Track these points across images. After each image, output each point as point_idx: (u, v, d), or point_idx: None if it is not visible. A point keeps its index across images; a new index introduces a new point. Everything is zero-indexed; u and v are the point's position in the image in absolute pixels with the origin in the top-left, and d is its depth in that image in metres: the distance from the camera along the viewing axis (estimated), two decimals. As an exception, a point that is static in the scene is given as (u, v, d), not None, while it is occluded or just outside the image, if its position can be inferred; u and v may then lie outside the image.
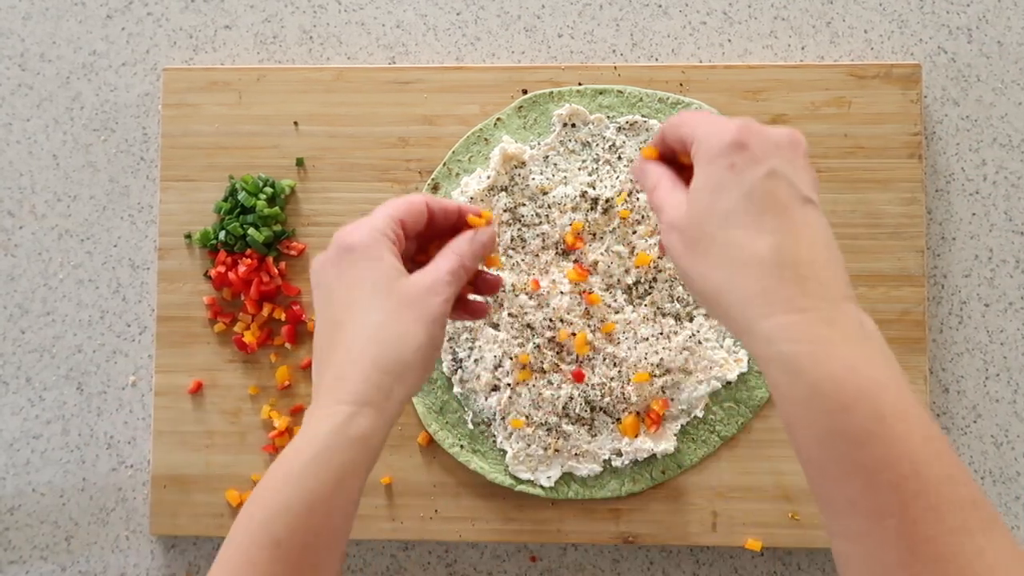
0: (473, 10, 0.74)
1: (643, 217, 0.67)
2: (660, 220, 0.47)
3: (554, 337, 0.66)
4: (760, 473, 0.67)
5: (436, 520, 0.68)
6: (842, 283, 0.42)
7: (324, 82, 0.71)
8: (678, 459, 0.67)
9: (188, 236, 0.71)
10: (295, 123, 0.71)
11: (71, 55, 0.75)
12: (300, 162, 0.71)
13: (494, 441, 0.68)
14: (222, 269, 0.70)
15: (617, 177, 0.68)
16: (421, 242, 0.55)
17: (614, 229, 0.67)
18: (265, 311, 0.70)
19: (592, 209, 0.68)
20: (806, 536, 0.66)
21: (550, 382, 0.66)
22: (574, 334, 0.66)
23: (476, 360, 0.67)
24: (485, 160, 0.69)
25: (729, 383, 0.67)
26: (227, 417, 0.70)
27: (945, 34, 0.72)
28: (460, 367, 0.68)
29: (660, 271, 0.67)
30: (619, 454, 0.67)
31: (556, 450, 0.67)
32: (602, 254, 0.67)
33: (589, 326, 0.67)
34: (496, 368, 0.67)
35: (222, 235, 0.70)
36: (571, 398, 0.66)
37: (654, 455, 0.66)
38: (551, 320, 0.66)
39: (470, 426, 0.68)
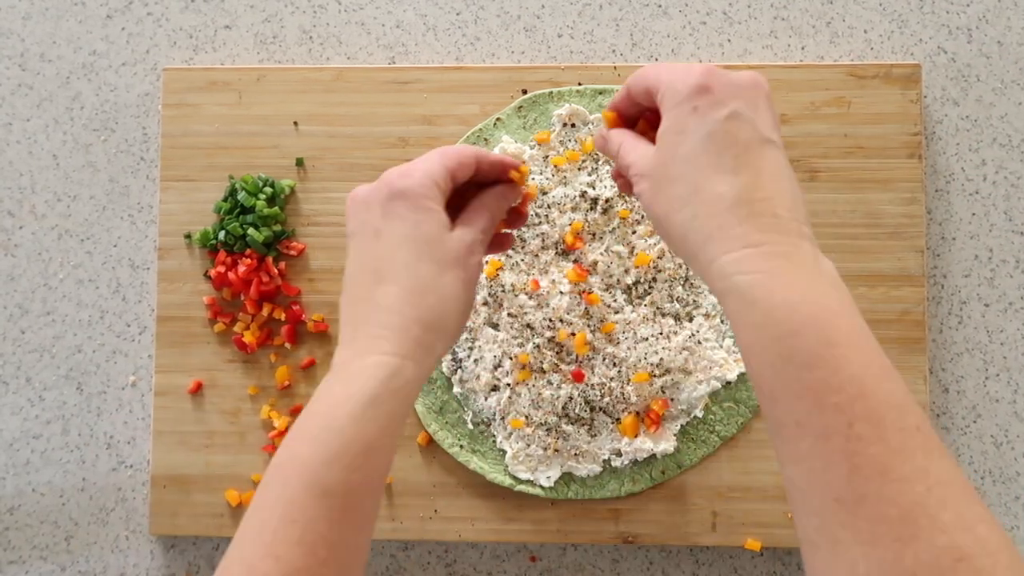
0: (473, 10, 0.74)
1: (643, 217, 0.67)
2: (631, 176, 0.48)
3: (554, 337, 0.66)
4: (760, 473, 0.67)
5: (436, 520, 0.68)
6: (799, 221, 0.43)
7: (324, 82, 0.71)
8: (678, 459, 0.67)
9: (188, 236, 0.71)
10: (295, 123, 0.71)
11: (71, 55, 0.75)
12: (300, 162, 0.71)
13: (494, 441, 0.68)
14: (222, 269, 0.70)
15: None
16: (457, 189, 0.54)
17: (614, 229, 0.67)
18: (265, 311, 0.70)
19: (592, 209, 0.68)
20: (806, 536, 0.66)
21: (550, 382, 0.66)
22: (574, 334, 0.66)
23: (476, 360, 0.67)
24: (485, 160, 0.69)
25: (729, 383, 0.67)
26: (227, 417, 0.70)
27: (945, 34, 0.72)
28: (460, 367, 0.68)
29: (660, 271, 0.67)
30: (619, 454, 0.67)
31: (556, 450, 0.67)
32: (602, 254, 0.67)
33: (589, 326, 0.67)
34: (496, 368, 0.67)
35: (222, 235, 0.70)
36: (571, 398, 0.66)
37: (654, 455, 0.66)
38: (551, 320, 0.66)
39: (470, 426, 0.68)
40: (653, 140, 0.47)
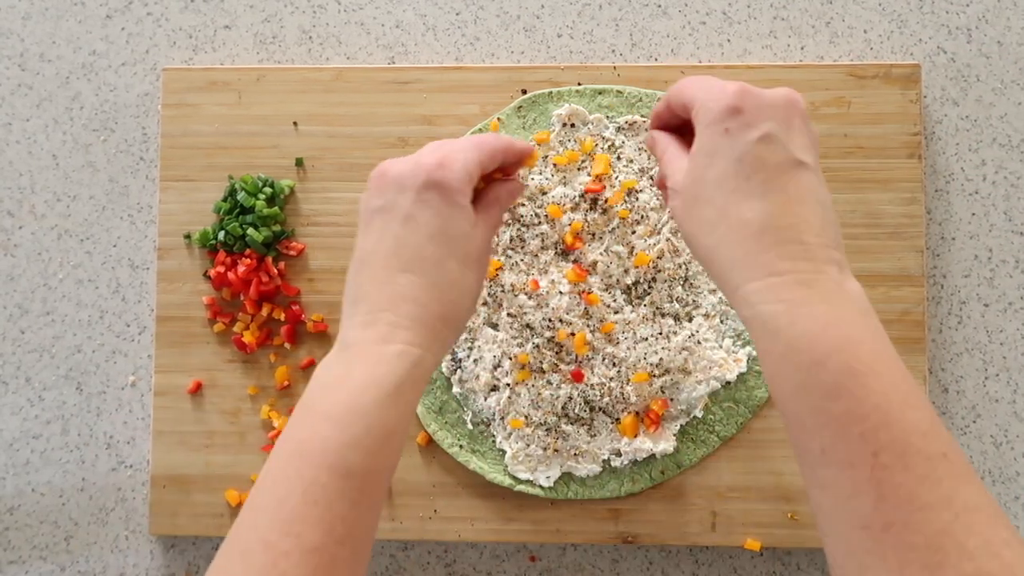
0: (472, 10, 0.74)
1: (642, 217, 0.67)
2: (668, 188, 0.48)
3: (553, 337, 0.66)
4: (759, 473, 0.67)
5: (435, 520, 0.68)
6: (828, 246, 0.43)
7: (323, 82, 0.71)
8: (677, 459, 0.67)
9: (187, 236, 0.71)
10: (294, 123, 0.71)
11: (71, 55, 0.75)
12: (299, 162, 0.71)
13: (493, 441, 0.68)
14: (221, 269, 0.70)
15: (616, 177, 0.68)
16: None
17: (613, 229, 0.67)
18: (264, 311, 0.70)
19: (592, 209, 0.68)
20: (805, 536, 0.66)
21: (549, 382, 0.66)
22: (573, 334, 0.66)
23: (475, 360, 0.67)
24: (484, 160, 0.69)
25: (728, 383, 0.67)
26: (227, 417, 0.70)
27: (944, 34, 0.72)
28: (459, 367, 0.68)
29: (659, 271, 0.67)
30: (618, 454, 0.67)
31: (555, 450, 0.67)
32: (601, 254, 0.67)
33: (588, 326, 0.67)
34: (495, 368, 0.67)
35: (221, 235, 0.70)
36: (570, 398, 0.66)
37: (653, 455, 0.66)
38: (550, 320, 0.66)
39: (469, 426, 0.68)
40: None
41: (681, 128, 0.51)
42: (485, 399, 0.67)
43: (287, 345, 0.70)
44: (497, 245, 0.68)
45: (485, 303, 0.67)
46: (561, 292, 0.66)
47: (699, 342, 0.67)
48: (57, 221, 0.74)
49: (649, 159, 0.68)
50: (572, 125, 0.69)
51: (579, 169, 0.69)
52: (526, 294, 0.67)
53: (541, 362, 0.66)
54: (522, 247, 0.68)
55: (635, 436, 0.66)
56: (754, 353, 0.67)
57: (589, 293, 0.67)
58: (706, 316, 0.67)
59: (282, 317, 0.70)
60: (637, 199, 0.67)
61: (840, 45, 0.72)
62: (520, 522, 0.68)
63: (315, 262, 0.71)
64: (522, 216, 0.68)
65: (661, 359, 0.66)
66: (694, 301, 0.68)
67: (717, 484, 0.67)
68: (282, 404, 0.70)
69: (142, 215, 0.74)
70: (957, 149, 0.71)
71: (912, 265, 0.68)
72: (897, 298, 0.68)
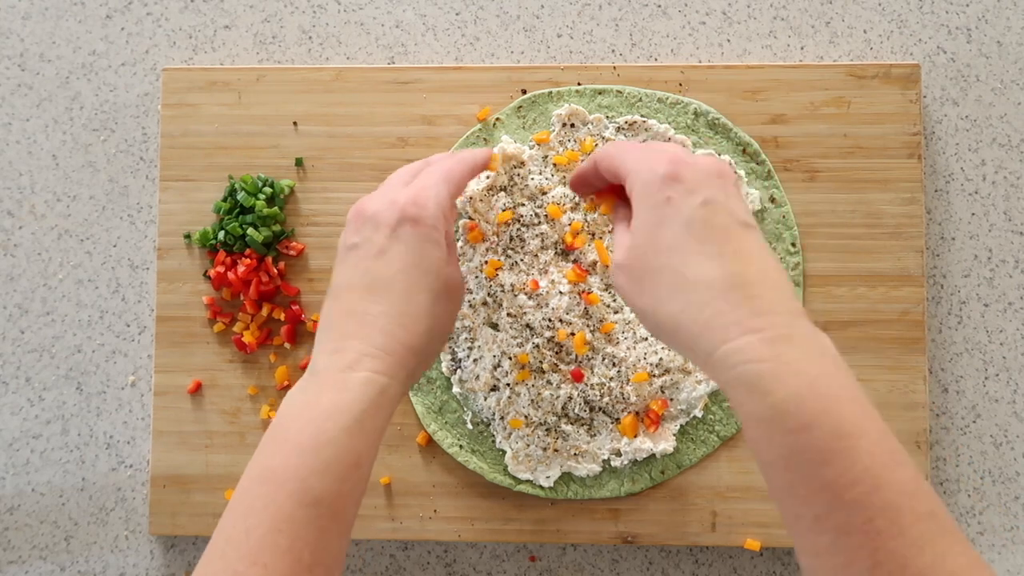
0: (472, 10, 0.74)
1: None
2: (612, 262, 0.48)
3: (553, 337, 0.66)
4: (759, 473, 0.66)
5: (435, 520, 0.68)
6: (791, 300, 0.43)
7: (323, 82, 0.71)
8: (677, 459, 0.67)
9: (187, 236, 0.71)
10: (294, 123, 0.71)
11: (71, 55, 0.75)
12: (299, 162, 0.71)
13: (493, 441, 0.68)
14: (221, 269, 0.70)
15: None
16: None
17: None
18: (264, 311, 0.70)
19: (592, 209, 0.68)
20: (805, 536, 0.66)
21: (549, 382, 0.66)
22: (573, 334, 0.66)
23: (475, 360, 0.67)
24: (484, 160, 0.69)
25: (728, 383, 0.67)
26: (226, 417, 0.70)
27: (944, 34, 0.72)
28: (459, 367, 0.68)
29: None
30: (618, 454, 0.67)
31: (555, 450, 0.67)
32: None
33: (588, 326, 0.67)
34: (495, 368, 0.67)
35: (221, 235, 0.70)
36: (570, 398, 0.66)
37: (653, 455, 0.66)
38: (550, 320, 0.66)
39: (469, 426, 0.68)
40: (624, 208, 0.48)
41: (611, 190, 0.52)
42: (485, 399, 0.67)
43: (287, 345, 0.70)
44: (497, 245, 0.68)
45: (485, 303, 0.67)
46: (561, 292, 0.66)
47: (699, 342, 0.67)
48: (57, 221, 0.74)
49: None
50: (572, 125, 0.69)
51: (579, 169, 0.69)
52: (526, 294, 0.67)
53: (541, 362, 0.66)
54: (522, 247, 0.68)
55: (635, 436, 0.66)
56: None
57: (589, 293, 0.67)
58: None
59: (282, 317, 0.70)
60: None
61: (840, 45, 0.72)
62: (520, 522, 0.68)
63: (315, 262, 0.71)
64: (522, 216, 0.68)
65: (661, 359, 0.66)
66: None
67: (717, 484, 0.67)
68: (282, 404, 0.70)
69: (142, 215, 0.74)
70: (957, 149, 0.71)
71: (912, 265, 0.68)
72: (897, 298, 0.68)
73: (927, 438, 0.67)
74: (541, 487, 0.67)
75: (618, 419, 0.67)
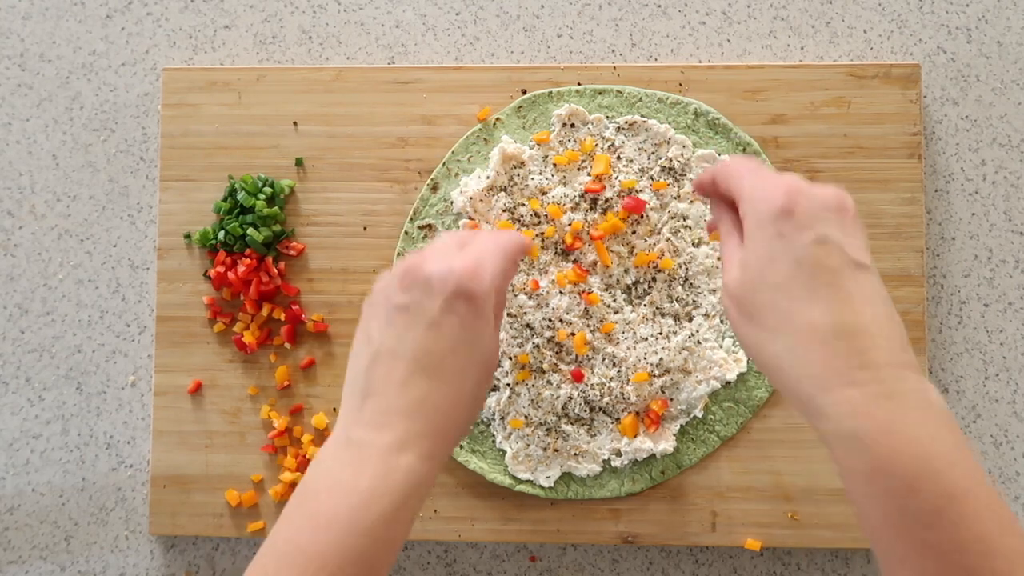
0: (472, 10, 0.74)
1: (643, 217, 0.67)
2: (723, 284, 0.46)
3: (553, 337, 0.66)
4: (759, 473, 0.67)
5: (435, 520, 0.68)
6: (900, 349, 0.41)
7: (323, 82, 0.71)
8: (677, 459, 0.67)
9: (187, 236, 0.71)
10: (294, 123, 0.71)
11: (71, 55, 0.75)
12: (299, 162, 0.71)
13: (493, 441, 0.68)
14: (221, 269, 0.70)
15: (616, 177, 0.68)
16: None
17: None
18: (264, 311, 0.70)
19: (592, 209, 0.68)
20: (806, 536, 0.66)
21: (549, 382, 0.66)
22: (573, 334, 0.66)
23: (475, 360, 0.67)
24: (484, 160, 0.69)
25: (728, 383, 0.67)
26: (227, 417, 0.70)
27: (944, 34, 0.72)
28: (459, 367, 0.67)
29: (659, 271, 0.67)
30: (618, 454, 0.67)
31: (555, 450, 0.67)
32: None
33: (588, 326, 0.67)
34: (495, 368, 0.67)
35: (221, 235, 0.70)
36: (570, 398, 0.66)
37: (653, 455, 0.66)
38: (550, 320, 0.66)
39: (469, 426, 0.68)
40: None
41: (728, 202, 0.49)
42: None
43: (287, 345, 0.70)
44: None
45: (485, 303, 0.67)
46: (561, 292, 0.66)
47: (699, 342, 0.67)
48: (57, 221, 0.74)
49: (649, 159, 0.68)
50: (572, 125, 0.69)
51: (579, 169, 0.69)
52: (526, 294, 0.67)
53: (541, 362, 0.66)
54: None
55: (635, 436, 0.66)
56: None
57: (589, 293, 0.67)
58: (706, 316, 0.67)
59: (282, 317, 0.70)
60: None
61: (840, 45, 0.72)
62: (520, 522, 0.68)
63: (315, 262, 0.71)
64: (522, 216, 0.68)
65: (661, 359, 0.66)
66: (694, 301, 0.68)
67: (717, 484, 0.67)
68: (282, 404, 0.70)
69: (142, 215, 0.74)
70: (957, 149, 0.71)
71: (912, 265, 0.68)
72: (897, 298, 0.67)
73: (927, 438, 0.67)
74: (541, 487, 0.67)
75: (618, 419, 0.67)
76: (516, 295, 0.67)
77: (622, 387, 0.66)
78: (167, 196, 0.72)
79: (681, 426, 0.67)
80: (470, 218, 0.68)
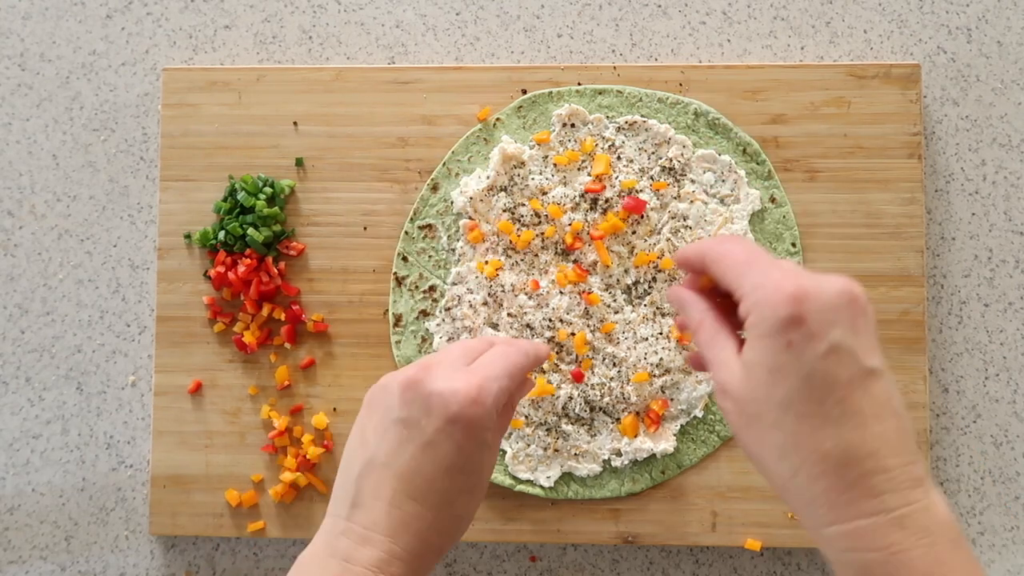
0: (472, 10, 0.74)
1: (643, 217, 0.67)
2: (710, 369, 0.45)
3: (553, 337, 0.66)
4: (759, 473, 0.67)
5: (435, 520, 0.68)
6: (911, 464, 0.40)
7: (323, 82, 0.71)
8: (678, 459, 0.67)
9: (188, 236, 0.71)
10: (294, 123, 0.71)
11: (71, 55, 0.75)
12: (300, 162, 0.71)
13: (493, 441, 0.68)
14: (222, 269, 0.70)
15: (616, 177, 0.68)
16: None
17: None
18: (265, 311, 0.70)
19: (592, 209, 0.68)
20: (806, 536, 0.66)
21: (549, 382, 0.66)
22: (573, 334, 0.66)
23: (475, 360, 0.67)
24: (485, 160, 0.69)
25: (728, 383, 0.67)
26: (227, 417, 0.70)
27: (944, 34, 0.72)
28: (459, 367, 0.67)
29: (660, 271, 0.67)
30: (619, 454, 0.67)
31: (556, 450, 0.67)
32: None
33: (588, 326, 0.67)
34: (495, 368, 0.67)
35: (222, 235, 0.70)
36: (570, 398, 0.66)
37: (654, 455, 0.66)
38: (550, 320, 0.66)
39: (469, 426, 0.68)
40: (726, 310, 0.44)
41: (710, 288, 0.47)
42: (485, 399, 0.67)
43: (287, 345, 0.70)
44: (497, 245, 0.68)
45: (485, 303, 0.67)
46: (561, 292, 0.66)
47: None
48: (57, 221, 0.74)
49: (649, 159, 0.68)
50: (572, 125, 0.69)
51: (579, 169, 0.69)
52: (526, 294, 0.67)
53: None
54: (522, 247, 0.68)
55: (635, 436, 0.66)
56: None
57: (589, 293, 0.67)
58: (706, 316, 0.67)
59: (282, 317, 0.70)
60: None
61: (840, 45, 0.72)
62: (520, 522, 0.68)
63: (315, 262, 0.71)
64: (522, 216, 0.68)
65: (661, 359, 0.66)
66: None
67: (717, 484, 0.67)
68: (282, 404, 0.70)
69: (142, 215, 0.74)
70: (957, 149, 0.71)
71: (912, 265, 0.68)
72: (897, 298, 0.68)
73: (927, 438, 0.67)
74: (541, 487, 0.67)
75: (618, 419, 0.67)
76: (516, 295, 0.67)
77: (622, 387, 0.66)
78: (167, 196, 0.72)
79: (681, 426, 0.67)
80: (470, 218, 0.68)
